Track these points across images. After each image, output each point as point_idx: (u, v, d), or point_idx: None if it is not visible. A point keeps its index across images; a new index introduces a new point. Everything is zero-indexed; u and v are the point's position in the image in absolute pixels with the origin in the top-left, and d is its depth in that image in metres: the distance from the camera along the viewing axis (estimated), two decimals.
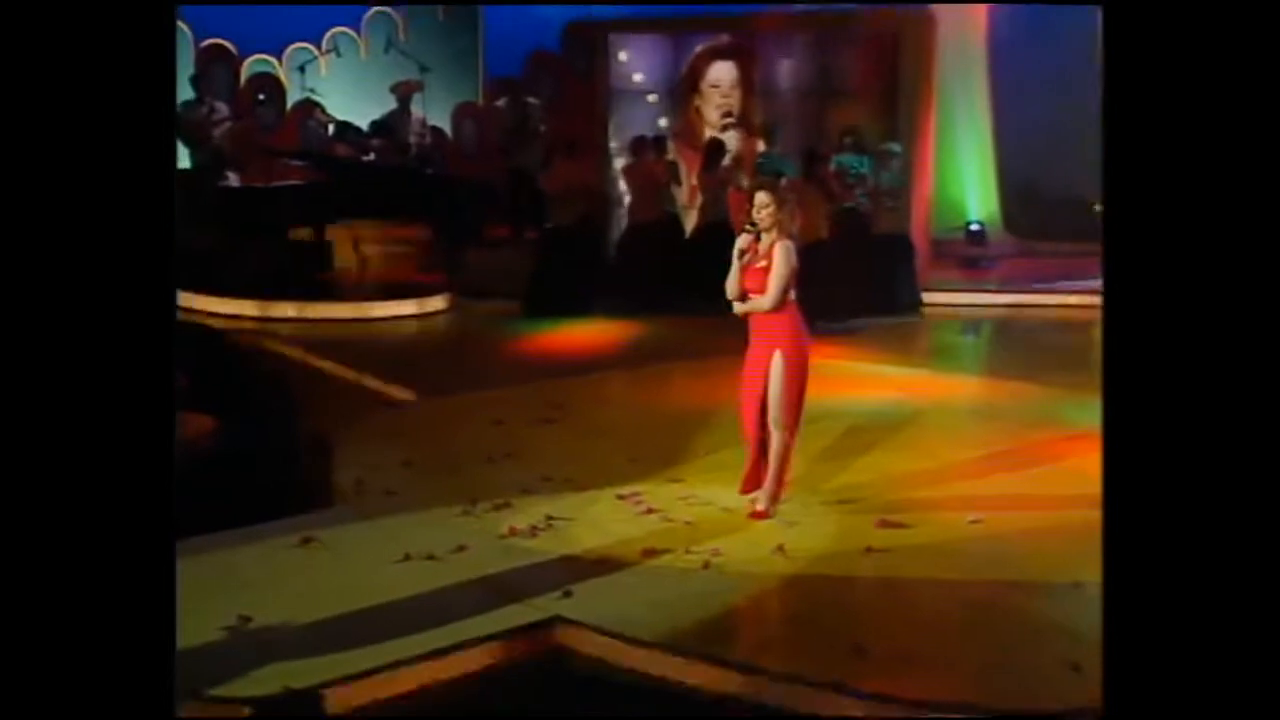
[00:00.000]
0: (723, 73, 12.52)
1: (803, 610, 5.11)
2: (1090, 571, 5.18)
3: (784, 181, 8.82)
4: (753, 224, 5.84)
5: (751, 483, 5.99)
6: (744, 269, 5.85)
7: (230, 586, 5.07)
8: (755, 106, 12.43)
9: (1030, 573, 5.29)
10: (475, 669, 4.69)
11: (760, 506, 5.88)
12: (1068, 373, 8.87)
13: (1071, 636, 4.67)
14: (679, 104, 12.58)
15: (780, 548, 5.50)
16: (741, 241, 5.87)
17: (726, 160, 11.41)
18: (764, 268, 5.83)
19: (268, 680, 4.20)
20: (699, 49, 12.59)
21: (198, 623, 4.65)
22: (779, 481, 5.93)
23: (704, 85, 12.52)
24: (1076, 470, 6.61)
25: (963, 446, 7.15)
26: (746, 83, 12.45)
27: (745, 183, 11.07)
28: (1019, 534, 5.72)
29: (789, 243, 5.85)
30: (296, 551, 5.50)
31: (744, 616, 5.06)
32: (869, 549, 5.50)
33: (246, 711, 3.93)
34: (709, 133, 12.16)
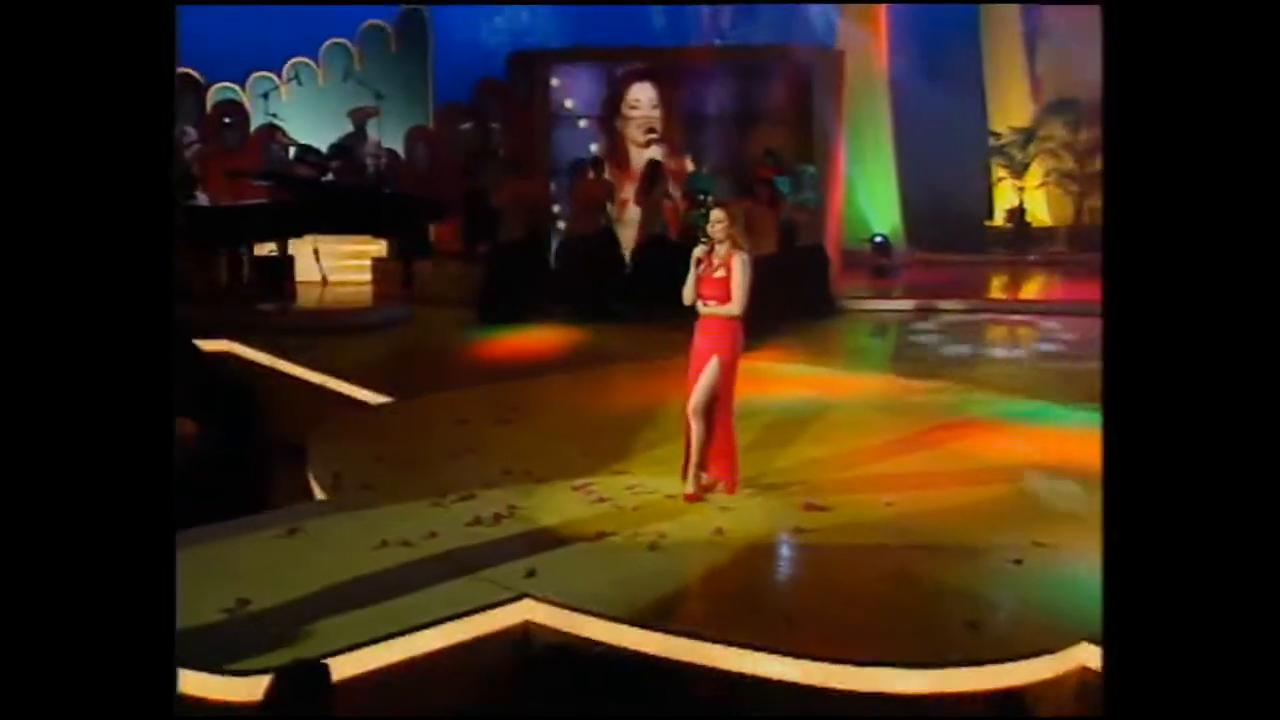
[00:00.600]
0: (641, 93, 12.74)
1: (740, 585, 5.27)
2: (984, 538, 5.53)
3: (711, 199, 9.08)
4: (707, 236, 5.95)
5: (722, 474, 6.15)
6: (700, 277, 5.93)
7: (227, 574, 5.15)
8: (676, 124, 12.64)
9: (933, 543, 5.53)
10: (453, 642, 4.79)
11: (689, 490, 6.03)
12: (957, 370, 9.26)
13: (970, 598, 4.95)
14: (605, 126, 12.76)
15: (719, 530, 5.68)
16: (697, 252, 5.95)
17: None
18: (721, 277, 5.91)
19: (273, 656, 4.28)
20: (619, 73, 12.76)
21: (200, 606, 4.75)
22: (730, 473, 6.10)
23: (625, 108, 12.72)
24: (968, 453, 6.95)
25: (871, 436, 7.35)
26: (665, 102, 12.66)
27: (678, 196, 11.30)
28: (923, 512, 5.92)
29: (746, 255, 5.93)
30: (285, 541, 5.58)
31: (689, 591, 5.20)
32: (798, 529, 5.71)
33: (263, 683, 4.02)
34: (635, 151, 12.35)
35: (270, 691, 3.52)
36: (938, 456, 6.93)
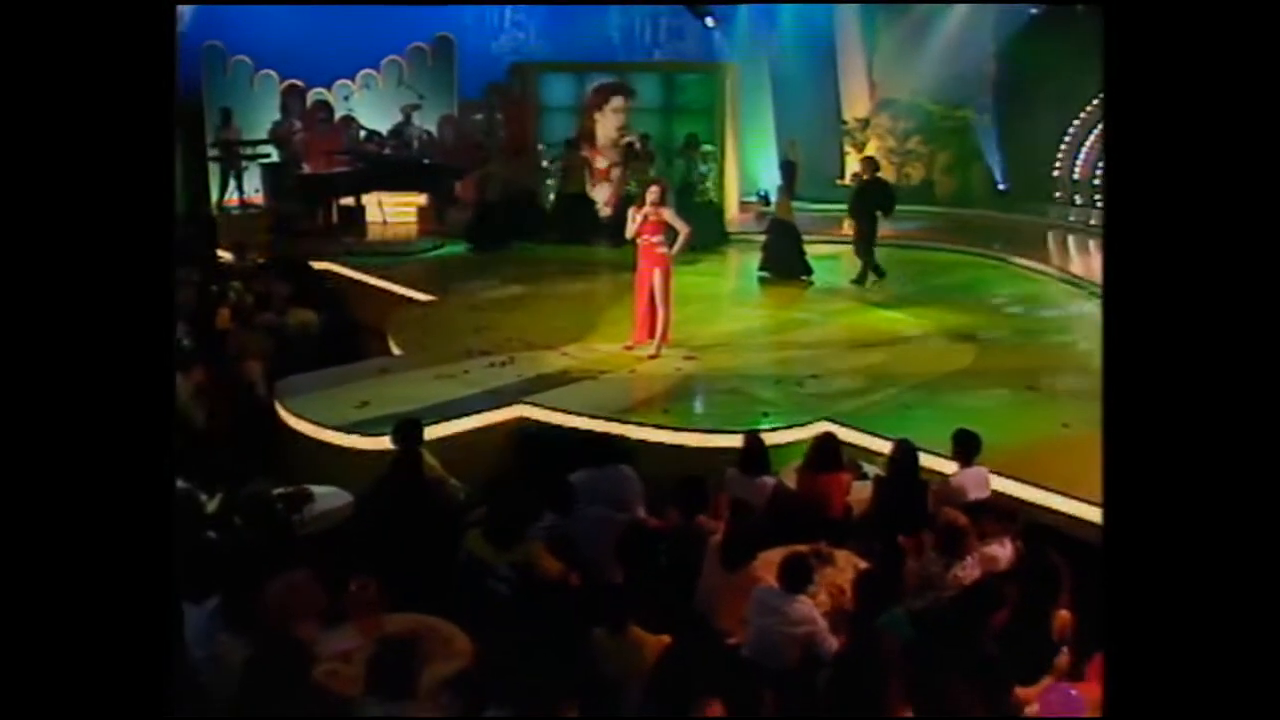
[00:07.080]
0: (618, 101, 13.15)
1: (646, 395, 6.64)
2: (781, 373, 6.87)
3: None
4: (644, 201, 7.19)
5: (641, 338, 7.34)
6: (642, 221, 7.15)
7: (353, 389, 6.48)
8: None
9: (753, 377, 6.88)
10: (477, 428, 6.18)
11: (651, 351, 7.24)
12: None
13: (768, 403, 6.36)
14: (589, 120, 13.10)
15: (633, 370, 7.06)
16: (641, 209, 7.18)
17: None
18: (656, 222, 7.11)
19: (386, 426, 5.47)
20: (600, 84, 13.10)
21: (340, 406, 6.15)
22: (664, 336, 7.30)
23: (609, 110, 13.09)
24: (794, 327, 8.16)
25: (732, 320, 8.45)
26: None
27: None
28: (750, 361, 7.26)
29: (672, 209, 7.26)
30: (380, 374, 6.87)
31: (616, 401, 6.50)
32: (678, 369, 7.12)
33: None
34: (609, 138, 12.77)
35: (393, 435, 5.06)
36: (774, 330, 8.17)
